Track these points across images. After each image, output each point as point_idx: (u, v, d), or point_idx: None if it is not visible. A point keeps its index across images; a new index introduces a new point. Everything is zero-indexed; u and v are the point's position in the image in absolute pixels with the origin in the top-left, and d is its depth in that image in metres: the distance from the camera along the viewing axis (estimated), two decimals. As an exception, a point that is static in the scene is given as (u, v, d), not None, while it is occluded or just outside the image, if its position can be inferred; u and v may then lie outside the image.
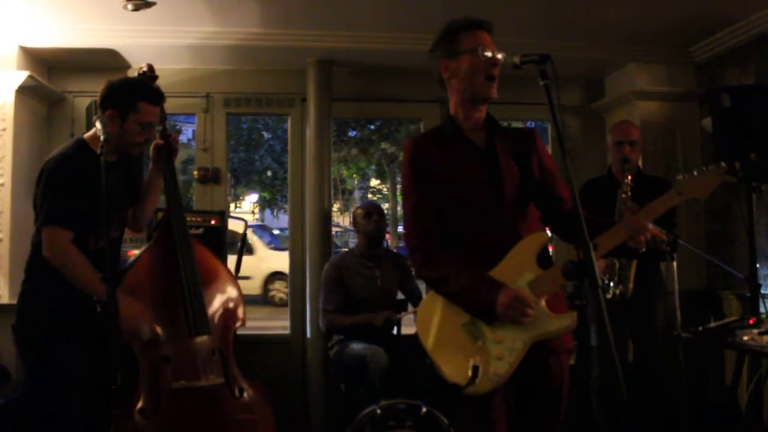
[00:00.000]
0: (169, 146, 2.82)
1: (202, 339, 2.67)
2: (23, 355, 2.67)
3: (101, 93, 2.65)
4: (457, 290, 2.00)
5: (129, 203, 2.85)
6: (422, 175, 2.12)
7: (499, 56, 2.07)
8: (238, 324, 2.86)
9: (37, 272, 2.62)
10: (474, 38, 2.10)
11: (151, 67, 2.94)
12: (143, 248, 2.86)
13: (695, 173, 2.05)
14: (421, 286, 3.47)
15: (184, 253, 2.72)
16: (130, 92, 2.64)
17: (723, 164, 2.05)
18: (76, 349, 2.53)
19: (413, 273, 4.09)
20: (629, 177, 3.45)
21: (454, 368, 1.98)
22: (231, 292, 2.90)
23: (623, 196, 3.40)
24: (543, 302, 1.97)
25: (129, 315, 2.49)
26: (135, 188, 2.88)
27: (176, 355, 2.61)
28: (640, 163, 3.87)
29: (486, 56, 2.06)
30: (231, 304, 2.87)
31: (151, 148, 2.82)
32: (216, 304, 2.80)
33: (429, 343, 2.04)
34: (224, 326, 2.80)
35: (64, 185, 2.51)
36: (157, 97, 2.69)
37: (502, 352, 1.95)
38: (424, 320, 2.07)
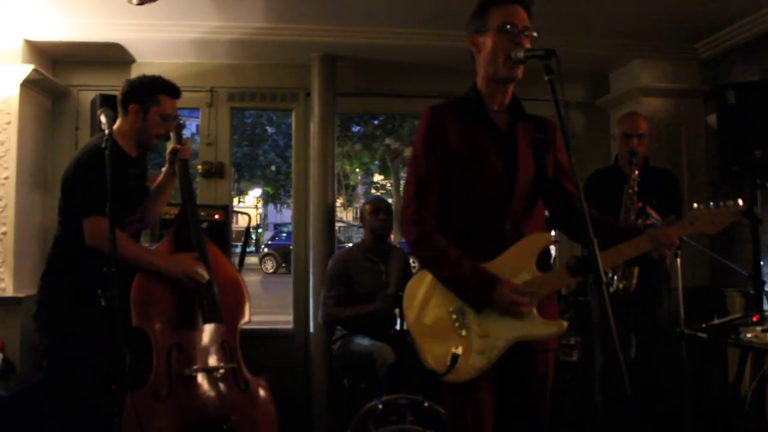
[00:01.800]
0: (182, 153, 2.96)
1: (213, 329, 2.81)
2: (44, 345, 2.73)
3: (122, 90, 2.81)
4: (451, 276, 1.97)
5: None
6: (435, 148, 2.04)
7: (535, 33, 1.99)
8: (245, 320, 2.98)
9: (60, 264, 2.71)
10: (503, 13, 2.00)
11: None
12: (160, 242, 2.97)
13: (711, 206, 2.02)
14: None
15: (199, 246, 2.85)
16: (152, 86, 2.81)
17: (741, 202, 2.01)
18: (96, 339, 2.59)
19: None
20: (636, 172, 3.44)
21: (434, 354, 1.98)
22: (238, 289, 3.01)
23: (629, 191, 3.39)
24: (535, 305, 1.96)
25: (183, 266, 2.73)
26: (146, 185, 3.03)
27: (189, 342, 2.74)
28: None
29: (511, 34, 1.97)
30: (238, 301, 2.98)
31: (168, 151, 2.97)
32: (225, 300, 2.88)
33: (411, 319, 2.04)
34: (232, 322, 2.91)
35: (100, 176, 2.54)
36: (176, 91, 2.87)
37: (484, 346, 1.95)
38: (411, 296, 2.06)
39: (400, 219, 2.13)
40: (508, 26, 1.98)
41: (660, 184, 3.59)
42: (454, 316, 1.99)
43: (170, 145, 3.02)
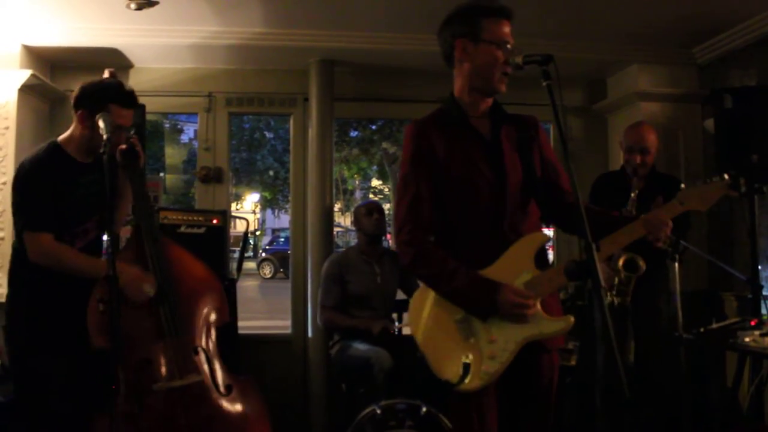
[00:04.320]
0: (133, 151, 2.74)
1: (180, 339, 2.66)
2: (8, 355, 2.71)
3: (75, 93, 2.63)
4: (451, 290, 1.98)
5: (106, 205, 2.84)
6: (423, 163, 2.06)
7: (520, 58, 2.01)
8: (219, 321, 2.84)
9: (18, 276, 2.65)
10: (498, 29, 2.04)
11: (113, 73, 2.91)
12: (118, 255, 2.77)
13: (698, 184, 2.04)
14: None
15: (155, 255, 2.70)
16: (102, 94, 2.60)
17: (726, 177, 2.03)
18: (57, 351, 2.54)
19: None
20: (641, 183, 3.43)
21: (445, 364, 1.98)
22: (210, 290, 2.88)
23: (632, 195, 3.38)
24: (538, 304, 1.97)
25: (127, 280, 2.52)
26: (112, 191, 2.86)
27: (155, 356, 2.60)
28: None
29: (509, 53, 2.01)
30: (210, 303, 2.85)
31: (117, 153, 2.71)
32: (194, 303, 2.78)
33: (419, 336, 2.04)
34: (205, 325, 2.79)
35: (38, 189, 2.52)
36: (129, 100, 2.66)
37: (495, 351, 1.95)
38: (416, 312, 2.07)
39: (395, 239, 2.14)
40: (508, 44, 2.03)
41: (666, 189, 3.57)
42: (460, 325, 1.99)
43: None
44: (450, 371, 1.96)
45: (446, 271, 1.98)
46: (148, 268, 2.67)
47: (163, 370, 2.59)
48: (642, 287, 3.39)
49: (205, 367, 2.69)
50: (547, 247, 2.15)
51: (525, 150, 2.09)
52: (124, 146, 2.70)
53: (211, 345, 2.76)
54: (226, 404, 2.67)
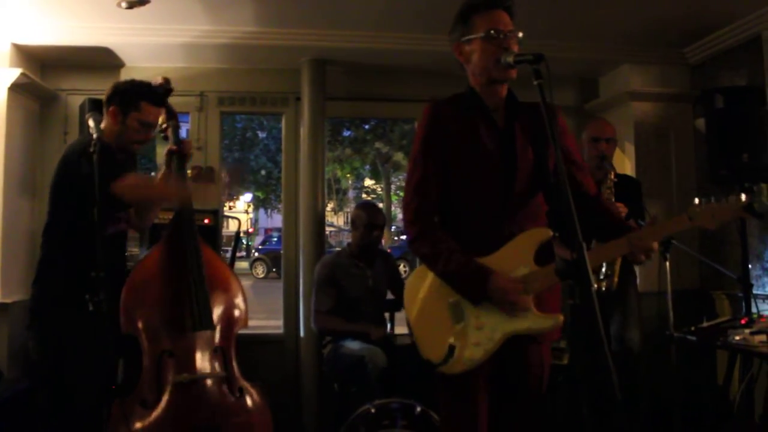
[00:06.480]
0: (181, 152, 2.89)
1: (206, 335, 2.74)
2: (37, 353, 2.69)
3: (107, 92, 2.76)
4: (446, 271, 1.99)
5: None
6: (436, 145, 2.06)
7: (520, 34, 2.00)
8: (241, 325, 2.91)
9: (49, 272, 2.67)
10: (487, 20, 2.01)
11: (167, 80, 2.99)
12: (154, 246, 2.93)
13: (712, 201, 1.99)
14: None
15: (192, 251, 2.78)
16: (134, 91, 2.74)
17: (743, 197, 1.98)
18: (89, 345, 2.54)
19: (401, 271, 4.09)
20: (612, 174, 3.45)
21: (431, 345, 2.00)
22: (235, 294, 2.95)
23: (607, 190, 3.40)
24: (531, 299, 1.96)
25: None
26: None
27: (179, 349, 2.67)
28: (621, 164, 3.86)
29: (498, 39, 1.98)
30: (234, 306, 2.92)
31: (165, 152, 2.90)
32: (220, 304, 2.84)
33: (412, 314, 2.05)
34: (227, 327, 2.85)
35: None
36: (159, 98, 2.80)
37: (480, 338, 1.96)
38: (412, 291, 2.08)
39: (402, 217, 2.15)
40: (493, 32, 1.99)
41: (628, 190, 3.59)
42: (451, 309, 2.00)
43: (167, 147, 2.95)
44: (434, 352, 1.98)
45: (444, 252, 1.98)
46: (185, 260, 2.75)
47: (186, 363, 2.66)
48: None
49: (223, 366, 2.75)
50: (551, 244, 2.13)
51: (539, 140, 2.06)
52: (174, 147, 2.86)
53: (231, 346, 2.82)
54: (237, 406, 2.72)
